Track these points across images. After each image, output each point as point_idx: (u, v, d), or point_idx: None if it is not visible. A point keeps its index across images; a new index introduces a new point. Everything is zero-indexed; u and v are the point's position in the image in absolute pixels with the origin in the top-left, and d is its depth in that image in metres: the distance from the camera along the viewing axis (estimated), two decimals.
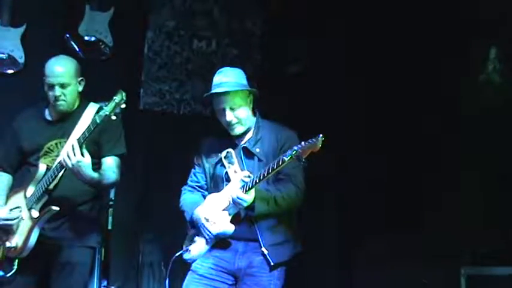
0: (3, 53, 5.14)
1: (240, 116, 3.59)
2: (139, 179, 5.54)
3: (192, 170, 3.83)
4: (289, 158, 3.25)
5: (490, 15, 4.68)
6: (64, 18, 5.35)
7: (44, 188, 3.65)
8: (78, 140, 3.56)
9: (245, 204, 3.43)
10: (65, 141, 3.75)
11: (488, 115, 4.62)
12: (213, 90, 3.59)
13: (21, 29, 5.19)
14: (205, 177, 3.74)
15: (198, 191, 3.78)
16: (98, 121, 3.52)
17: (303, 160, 3.28)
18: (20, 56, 5.15)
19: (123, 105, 3.56)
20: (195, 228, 3.63)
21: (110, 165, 3.82)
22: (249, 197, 3.42)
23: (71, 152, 3.53)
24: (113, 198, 5.38)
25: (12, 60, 5.15)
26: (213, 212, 3.55)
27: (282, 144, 3.58)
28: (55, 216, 3.69)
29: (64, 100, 3.78)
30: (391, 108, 5.11)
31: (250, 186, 3.40)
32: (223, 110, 3.57)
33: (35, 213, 3.67)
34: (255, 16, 5.88)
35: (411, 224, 4.85)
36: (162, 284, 5.35)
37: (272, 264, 3.49)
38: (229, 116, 3.57)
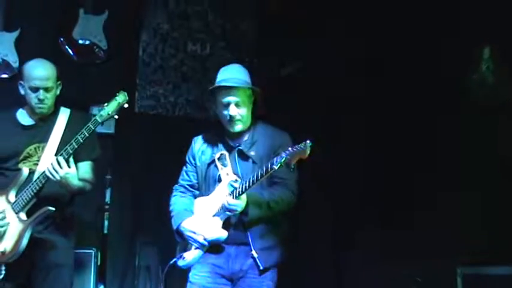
0: None
1: (243, 114, 3.61)
2: (135, 182, 5.53)
3: (184, 168, 3.81)
4: (278, 166, 3.24)
5: (484, 14, 4.69)
6: (58, 22, 5.35)
7: (33, 193, 3.66)
8: (71, 145, 3.59)
9: (239, 210, 3.43)
10: (44, 146, 3.77)
11: (486, 115, 4.63)
12: (225, 83, 3.58)
13: (15, 34, 5.18)
14: (197, 176, 3.73)
15: (190, 190, 3.77)
16: (100, 120, 3.58)
17: (292, 166, 3.27)
18: (14, 60, 5.15)
19: (126, 105, 3.61)
20: (182, 239, 3.63)
21: (87, 171, 3.87)
22: (241, 203, 3.42)
23: (56, 165, 3.56)
24: (108, 202, 5.39)
25: (7, 65, 5.15)
26: (204, 219, 3.55)
27: (277, 148, 3.58)
28: (41, 218, 3.71)
29: (46, 104, 3.81)
30: (390, 108, 5.12)
31: (241, 192, 3.40)
32: (228, 104, 3.58)
33: (24, 216, 3.66)
34: (250, 18, 5.88)
35: (407, 223, 4.86)
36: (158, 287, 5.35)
37: (261, 268, 3.51)
38: (234, 110, 3.57)
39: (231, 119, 3.59)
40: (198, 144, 3.77)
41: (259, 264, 3.50)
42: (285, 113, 5.34)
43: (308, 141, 3.22)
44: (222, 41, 5.84)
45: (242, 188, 3.39)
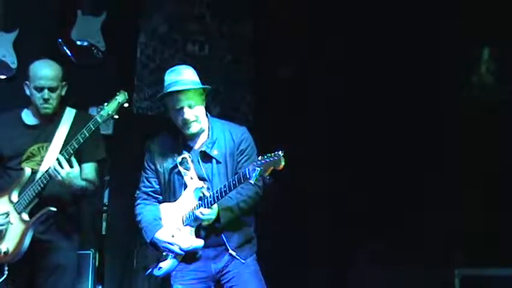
0: None
1: (197, 114, 3.53)
2: (133, 183, 5.51)
3: (143, 174, 3.74)
4: (255, 179, 3.20)
5: (483, 15, 4.70)
6: (56, 23, 5.35)
7: (35, 193, 3.65)
8: (72, 145, 3.58)
9: (212, 219, 3.44)
10: (48, 146, 3.76)
11: (486, 115, 4.65)
12: (172, 89, 3.50)
13: (14, 34, 5.19)
14: (159, 182, 3.67)
15: (154, 197, 3.70)
16: (100, 120, 3.57)
17: (267, 177, 3.24)
18: (12, 61, 5.15)
19: (126, 105, 3.60)
20: (157, 249, 3.60)
21: (91, 171, 3.85)
22: (213, 212, 3.42)
23: (57, 165, 3.55)
24: (107, 203, 5.39)
25: (5, 66, 5.15)
26: (176, 228, 3.53)
27: (239, 142, 3.57)
28: (44, 219, 3.70)
29: (51, 104, 3.79)
30: (390, 109, 5.13)
31: (213, 202, 3.39)
32: (181, 108, 3.50)
33: (26, 216, 3.66)
34: (248, 18, 5.88)
35: (406, 224, 4.87)
36: None
37: (243, 262, 3.53)
38: (188, 113, 3.49)
39: (186, 122, 3.52)
40: (157, 148, 3.69)
41: (240, 260, 3.53)
42: (283, 114, 5.36)
43: (280, 152, 3.16)
44: (220, 42, 5.84)
45: (214, 198, 3.38)
